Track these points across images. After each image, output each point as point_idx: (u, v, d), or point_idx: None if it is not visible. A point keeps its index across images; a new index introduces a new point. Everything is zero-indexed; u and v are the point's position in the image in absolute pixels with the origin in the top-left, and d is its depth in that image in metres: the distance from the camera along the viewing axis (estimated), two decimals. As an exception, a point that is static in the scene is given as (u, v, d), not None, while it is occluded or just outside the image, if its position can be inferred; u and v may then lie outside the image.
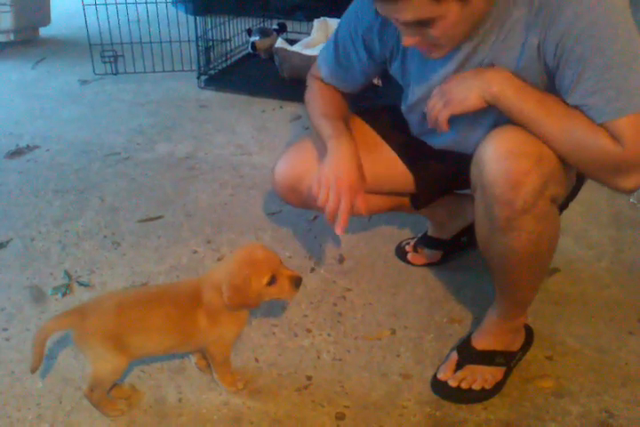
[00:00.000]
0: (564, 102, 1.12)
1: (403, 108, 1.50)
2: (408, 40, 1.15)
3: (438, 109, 1.22)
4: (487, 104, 1.17)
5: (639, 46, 1.06)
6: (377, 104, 1.50)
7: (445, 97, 1.20)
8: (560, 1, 1.07)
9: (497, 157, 1.14)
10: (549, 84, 1.16)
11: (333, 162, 1.33)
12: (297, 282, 1.27)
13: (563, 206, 1.37)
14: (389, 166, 1.54)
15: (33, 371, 1.23)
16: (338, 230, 1.30)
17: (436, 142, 1.47)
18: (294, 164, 1.52)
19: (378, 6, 1.10)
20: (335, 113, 1.44)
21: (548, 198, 1.18)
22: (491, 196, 1.17)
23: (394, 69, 1.41)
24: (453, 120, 1.23)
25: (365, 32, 1.36)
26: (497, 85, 1.14)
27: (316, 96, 1.51)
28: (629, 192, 1.18)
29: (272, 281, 1.24)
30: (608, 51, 1.06)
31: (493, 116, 1.25)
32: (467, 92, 1.17)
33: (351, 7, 1.39)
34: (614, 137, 1.08)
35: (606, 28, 1.05)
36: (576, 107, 1.10)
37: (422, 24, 1.08)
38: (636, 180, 1.13)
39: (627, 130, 1.07)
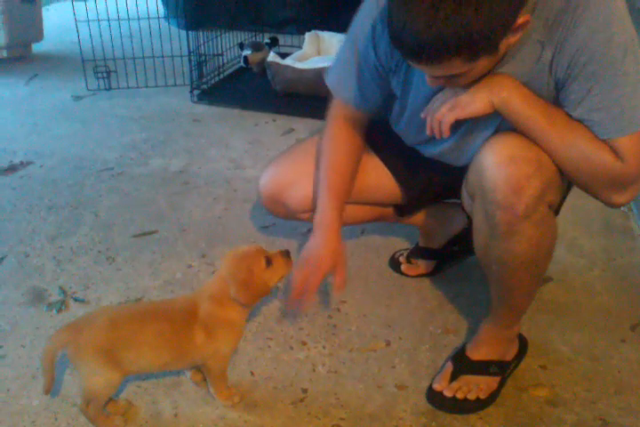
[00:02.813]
0: (568, 115, 1.14)
1: (394, 118, 1.50)
2: (433, 83, 1.15)
3: (442, 113, 1.20)
4: (494, 109, 1.15)
5: None
6: None
7: (451, 101, 1.19)
8: (575, 17, 1.07)
9: (498, 163, 1.15)
10: (554, 97, 1.16)
11: (313, 248, 1.39)
12: (287, 254, 1.35)
13: (554, 213, 1.39)
14: (378, 178, 1.56)
15: (46, 393, 1.25)
16: (302, 309, 1.40)
17: (431, 150, 1.46)
18: (278, 177, 1.55)
19: (408, 61, 1.09)
20: (340, 187, 1.43)
21: (546, 204, 1.20)
22: (492, 201, 1.17)
23: (396, 81, 1.37)
24: (454, 126, 1.22)
25: (375, 42, 1.30)
26: (506, 91, 1.14)
27: (331, 158, 1.46)
28: (618, 206, 1.20)
29: (268, 262, 1.30)
30: (619, 70, 1.08)
31: (494, 124, 1.25)
32: (474, 96, 1.15)
33: (358, 19, 1.32)
34: (615, 153, 1.11)
35: (619, 46, 1.07)
36: (580, 121, 1.13)
37: (452, 76, 1.09)
38: (630, 196, 1.17)
39: (628, 148, 1.11)
